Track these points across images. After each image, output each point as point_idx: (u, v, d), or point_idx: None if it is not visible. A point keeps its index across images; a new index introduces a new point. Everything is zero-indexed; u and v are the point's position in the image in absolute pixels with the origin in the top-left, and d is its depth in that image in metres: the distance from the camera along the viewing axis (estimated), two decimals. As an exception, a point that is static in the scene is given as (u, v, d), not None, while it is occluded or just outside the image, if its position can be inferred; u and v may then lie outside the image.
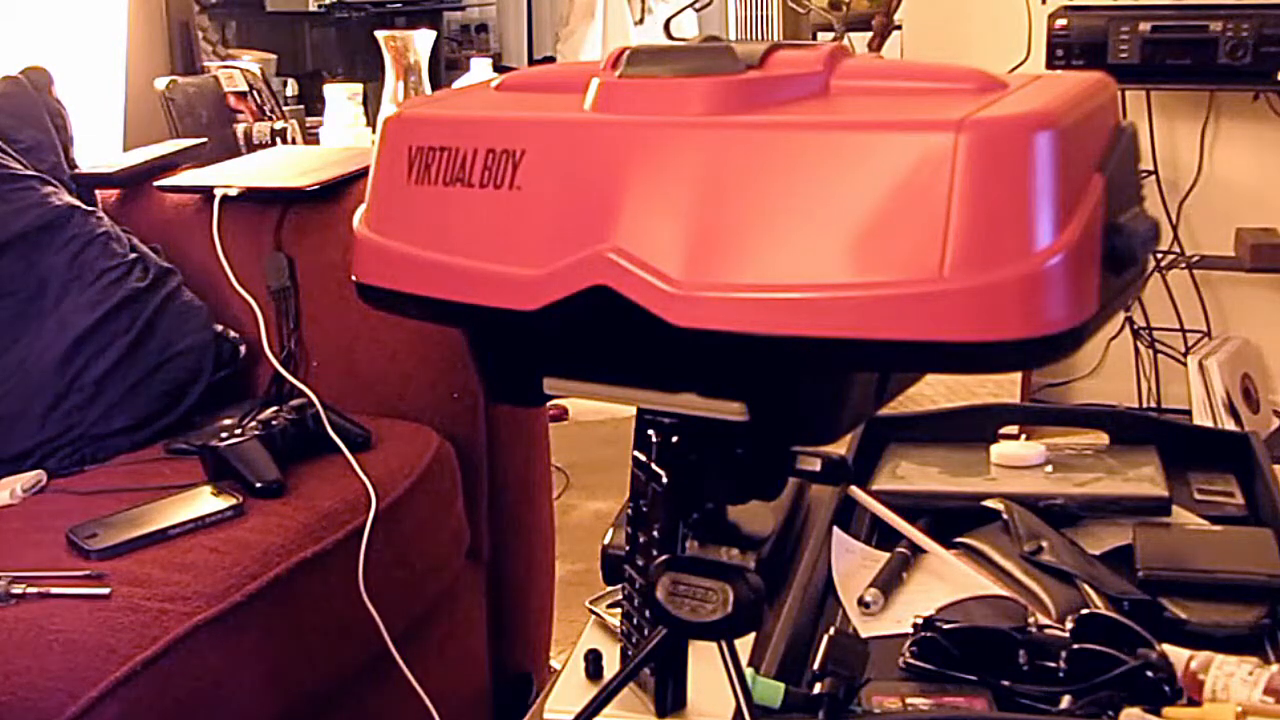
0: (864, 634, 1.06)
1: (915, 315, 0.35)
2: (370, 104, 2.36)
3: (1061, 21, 2.94)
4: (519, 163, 0.40)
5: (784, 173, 0.36)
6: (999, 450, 1.32)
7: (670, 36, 3.89)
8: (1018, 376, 3.12)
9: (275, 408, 1.61)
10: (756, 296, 0.36)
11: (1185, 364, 3.12)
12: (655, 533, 0.93)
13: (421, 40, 2.24)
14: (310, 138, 2.32)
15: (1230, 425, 2.93)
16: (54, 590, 1.22)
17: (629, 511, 0.97)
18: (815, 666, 0.94)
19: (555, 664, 1.81)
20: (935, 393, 3.19)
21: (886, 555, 1.16)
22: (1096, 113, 0.39)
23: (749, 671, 0.93)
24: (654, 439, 0.92)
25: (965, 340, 0.35)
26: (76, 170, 1.95)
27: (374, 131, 2.28)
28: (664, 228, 0.38)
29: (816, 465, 0.45)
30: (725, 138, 0.37)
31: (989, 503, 1.21)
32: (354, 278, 0.45)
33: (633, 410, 0.95)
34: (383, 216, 0.44)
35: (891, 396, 0.45)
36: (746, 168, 0.37)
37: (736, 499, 0.45)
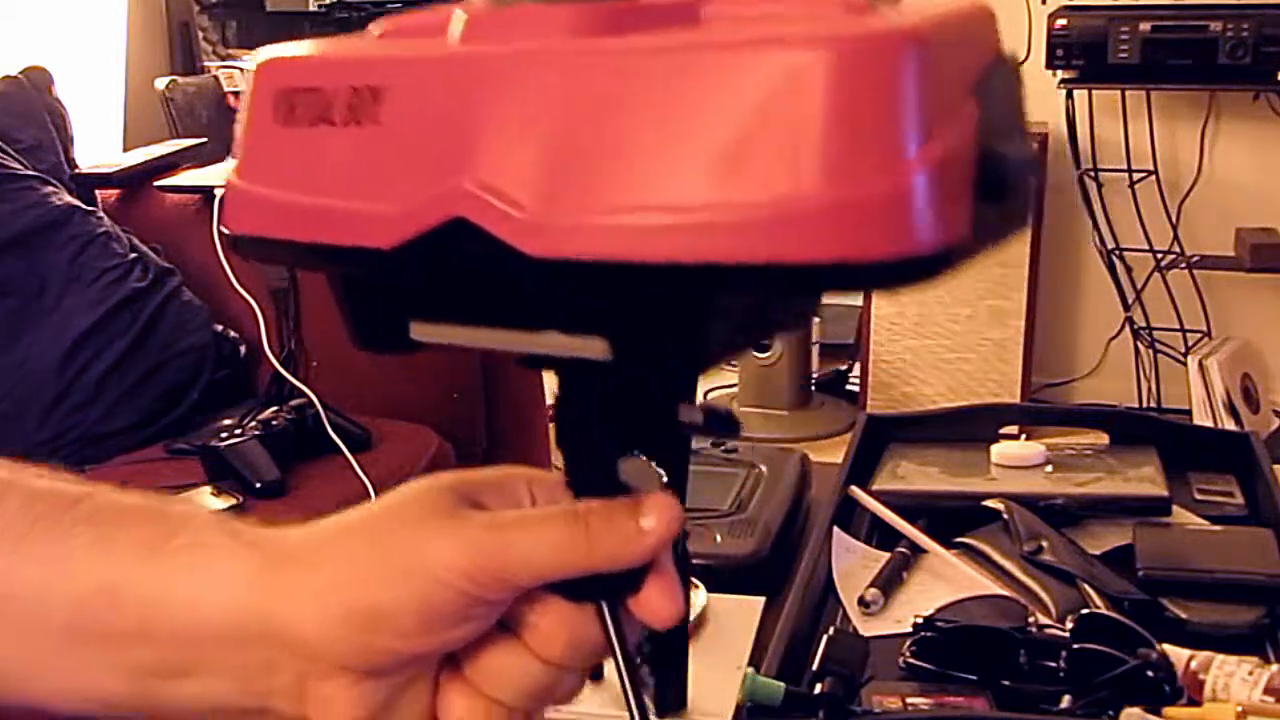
0: (864, 634, 1.06)
1: (772, 235, 0.35)
2: (370, 104, 2.36)
3: (1061, 21, 2.94)
4: (381, 99, 0.40)
5: (646, 96, 0.36)
6: (999, 450, 1.32)
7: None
8: (1018, 377, 3.12)
9: (275, 408, 1.61)
10: (611, 222, 0.36)
11: (1185, 364, 3.12)
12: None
13: (421, 40, 2.24)
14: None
15: (1230, 425, 2.93)
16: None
17: (629, 511, 0.97)
18: (815, 666, 0.94)
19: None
20: (935, 393, 3.20)
21: (886, 555, 1.16)
22: (971, 38, 0.38)
23: (749, 671, 0.93)
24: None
25: (828, 260, 0.34)
26: (76, 170, 1.95)
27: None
28: (525, 157, 0.37)
29: (699, 417, 0.44)
30: (587, 63, 0.37)
31: (989, 503, 1.21)
32: (223, 229, 0.44)
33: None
34: (250, 163, 0.43)
35: (768, 332, 0.45)
36: (609, 93, 0.36)
37: (619, 449, 0.43)
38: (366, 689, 0.43)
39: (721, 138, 0.35)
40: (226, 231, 0.43)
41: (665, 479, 0.44)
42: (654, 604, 0.44)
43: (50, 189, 1.79)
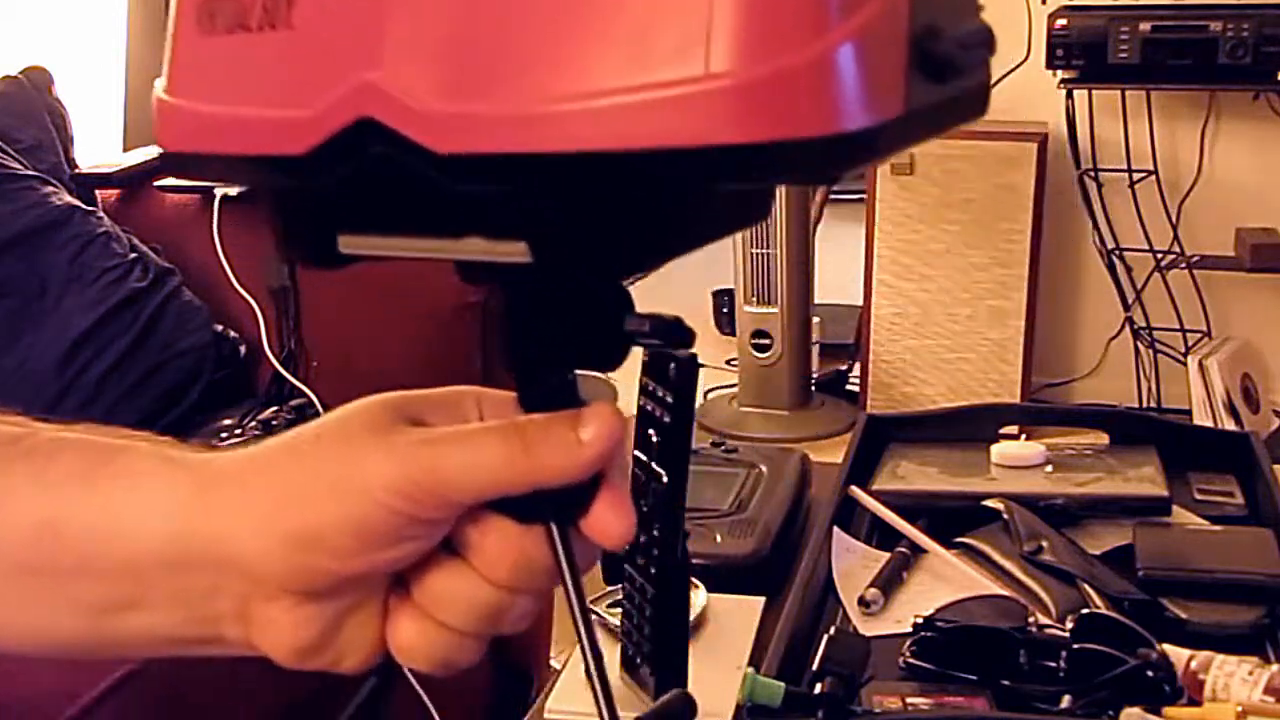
0: (864, 634, 1.06)
1: (686, 118, 0.32)
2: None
3: (1061, 21, 2.94)
4: (293, 1, 0.39)
5: None
6: (999, 450, 1.32)
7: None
8: (1018, 377, 3.12)
9: (275, 408, 1.61)
10: (516, 112, 0.34)
11: (1185, 364, 3.12)
12: (655, 532, 0.93)
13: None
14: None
15: (1230, 425, 2.93)
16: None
17: (629, 511, 0.97)
18: (815, 666, 0.94)
19: (555, 664, 1.81)
20: (935, 393, 3.20)
21: (886, 555, 1.16)
22: None
23: (749, 671, 0.93)
24: (651, 435, 0.92)
25: (746, 143, 0.32)
26: (76, 170, 1.95)
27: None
28: (428, 51, 0.36)
29: (645, 326, 0.42)
30: None
31: (989, 503, 1.21)
32: (158, 148, 0.43)
33: (632, 410, 0.95)
34: (176, 76, 0.42)
35: (701, 232, 0.41)
36: None
37: (566, 363, 0.42)
38: (310, 612, 0.43)
39: (629, 17, 0.33)
40: (160, 150, 0.42)
41: (617, 393, 0.43)
42: (604, 522, 0.42)
43: (50, 189, 1.79)
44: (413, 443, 0.41)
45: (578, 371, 0.43)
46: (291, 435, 0.43)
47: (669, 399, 0.89)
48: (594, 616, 1.09)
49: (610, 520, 0.42)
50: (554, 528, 0.42)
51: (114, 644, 0.45)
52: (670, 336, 0.43)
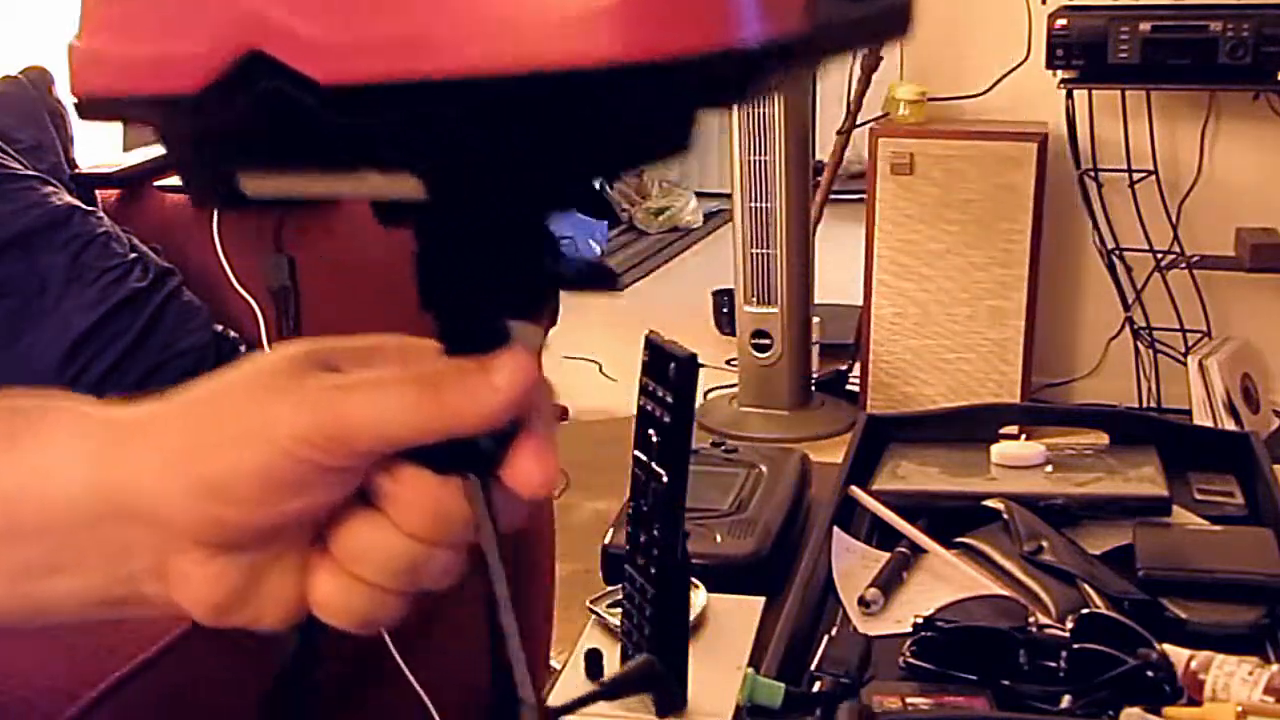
0: (864, 634, 1.06)
1: (565, 36, 0.31)
2: (370, 104, 2.36)
3: (1061, 21, 2.94)
4: None
5: None
6: (999, 450, 1.32)
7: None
8: (1018, 377, 3.12)
9: (275, 408, 1.61)
10: (393, 35, 0.33)
11: (1185, 364, 3.12)
12: (655, 532, 0.93)
13: (421, 40, 2.24)
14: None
15: (1230, 425, 2.93)
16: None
17: (629, 511, 0.97)
18: (813, 666, 0.94)
19: (555, 664, 1.81)
20: (935, 393, 3.20)
21: (886, 555, 1.16)
22: None
23: (749, 672, 0.93)
24: (651, 435, 0.92)
25: (627, 61, 0.31)
26: (76, 170, 1.95)
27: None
28: None
29: (568, 269, 0.41)
30: None
31: (989, 503, 1.21)
32: (73, 97, 0.43)
33: (632, 410, 0.95)
34: (87, 20, 0.42)
35: (605, 163, 0.38)
36: None
37: (487, 308, 0.41)
38: (224, 565, 0.41)
39: None
40: (74, 99, 0.42)
41: (544, 338, 0.41)
42: (523, 471, 0.41)
43: (50, 189, 1.79)
44: (323, 389, 0.40)
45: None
46: (203, 385, 0.42)
47: (669, 399, 0.89)
48: (594, 616, 1.09)
49: (530, 469, 0.41)
50: (472, 479, 0.41)
51: (38, 610, 0.45)
52: (592, 279, 0.42)
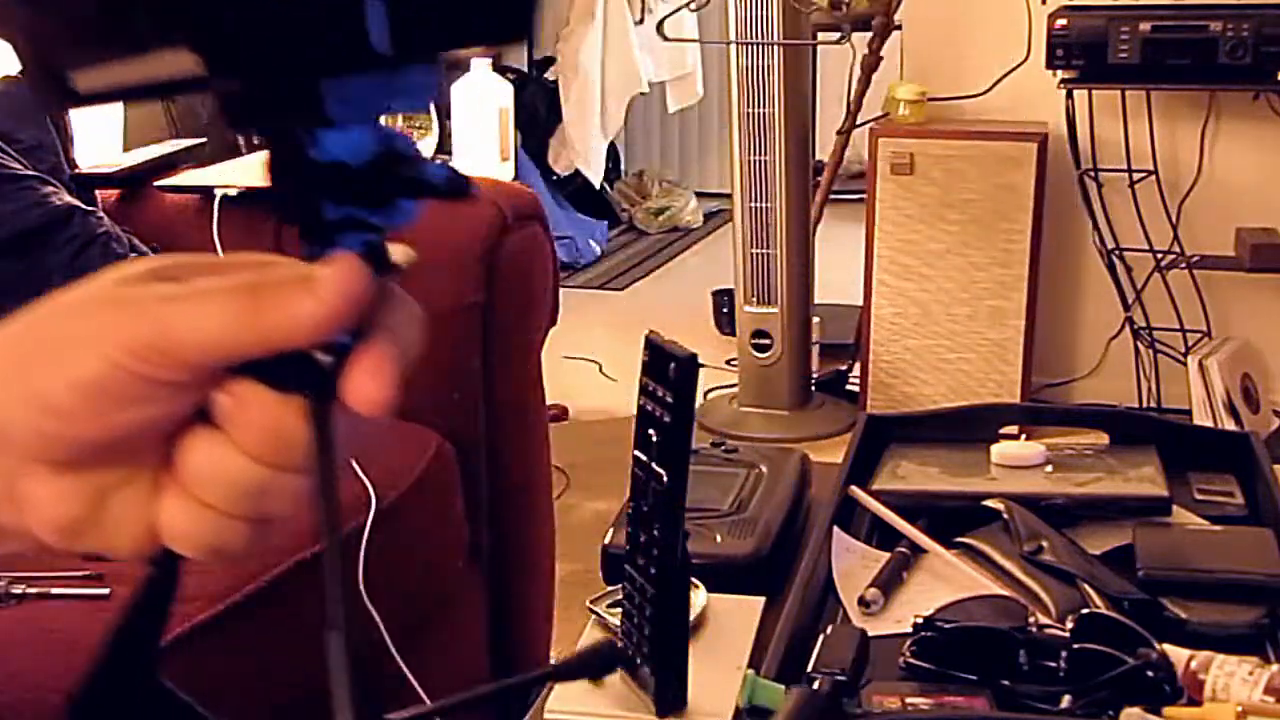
0: (860, 628, 1.06)
1: None
2: (370, 104, 2.35)
3: (1061, 21, 2.94)
4: None
5: None
6: (999, 450, 1.32)
7: (665, 38, 3.88)
8: (1018, 377, 3.12)
9: (275, 408, 1.61)
10: None
11: (1185, 364, 3.12)
12: (655, 532, 0.93)
13: (421, 40, 2.24)
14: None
15: (1230, 425, 2.93)
16: (54, 590, 1.22)
17: (629, 511, 0.97)
18: (810, 667, 0.94)
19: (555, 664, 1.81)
20: (935, 393, 3.20)
21: (886, 555, 1.16)
22: None
23: (749, 674, 0.93)
24: (651, 435, 0.92)
25: None
26: (76, 170, 1.95)
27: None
28: None
29: (412, 172, 0.40)
30: None
31: (989, 503, 1.21)
32: None
33: (632, 410, 0.95)
34: None
35: (414, 38, 0.37)
36: None
37: (335, 216, 0.40)
38: (67, 486, 0.40)
39: None
40: None
41: (410, 253, 0.40)
42: (358, 388, 0.39)
43: (50, 189, 1.79)
44: (149, 299, 0.39)
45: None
46: (43, 302, 0.41)
47: (669, 399, 0.89)
48: (594, 616, 1.09)
49: (363, 385, 0.39)
50: (309, 397, 0.39)
51: None
52: (443, 187, 0.40)
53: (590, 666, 0.89)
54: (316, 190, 0.39)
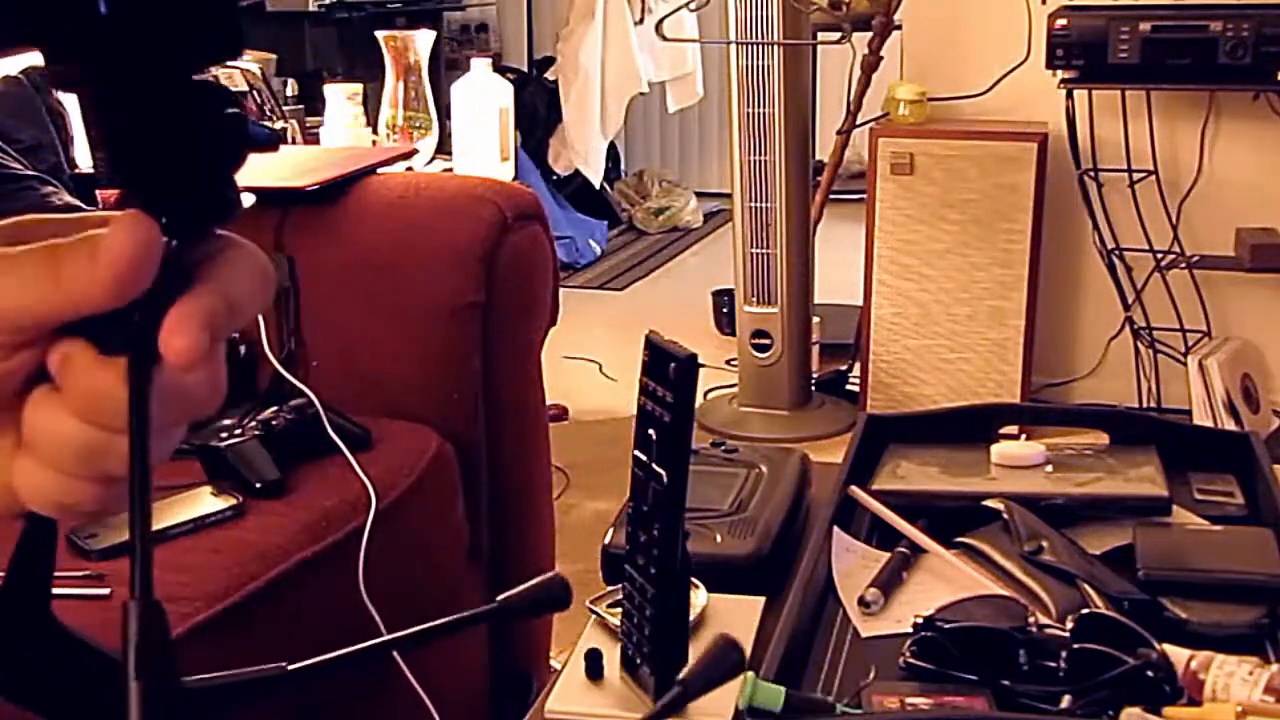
0: (864, 634, 1.06)
1: None
2: (370, 104, 2.36)
3: (1061, 21, 2.94)
4: None
5: None
6: (999, 450, 1.32)
7: (664, 38, 3.88)
8: (1018, 377, 3.12)
9: (275, 408, 1.61)
10: None
11: (1185, 364, 3.12)
12: (655, 532, 0.93)
13: (421, 40, 2.24)
14: (310, 138, 2.32)
15: (1230, 425, 2.93)
16: (54, 590, 1.22)
17: (629, 511, 0.97)
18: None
19: (555, 664, 1.81)
20: (935, 393, 3.19)
21: (886, 555, 1.16)
22: None
23: (749, 675, 0.93)
24: (651, 435, 0.92)
25: None
26: (76, 170, 1.95)
27: (374, 132, 2.28)
28: None
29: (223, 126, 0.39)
30: None
31: (989, 503, 1.21)
32: None
33: (632, 410, 0.95)
34: None
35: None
36: None
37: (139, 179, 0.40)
38: None
39: None
40: None
41: (249, 198, 0.40)
42: (164, 338, 0.39)
43: (50, 189, 1.79)
44: None
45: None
46: None
47: (669, 399, 0.89)
48: (594, 616, 1.09)
49: (168, 337, 0.39)
50: (127, 357, 0.39)
51: None
52: (250, 137, 0.40)
53: (540, 604, 0.87)
54: (130, 142, 0.39)
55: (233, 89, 2.74)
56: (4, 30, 0.37)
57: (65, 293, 0.38)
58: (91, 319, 0.39)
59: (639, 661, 0.97)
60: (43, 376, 0.41)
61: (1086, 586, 1.08)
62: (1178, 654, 0.94)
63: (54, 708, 0.48)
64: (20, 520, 0.44)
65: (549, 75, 5.21)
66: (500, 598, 0.76)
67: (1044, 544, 1.13)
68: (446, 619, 0.70)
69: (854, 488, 1.25)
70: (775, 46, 3.19)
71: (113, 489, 0.42)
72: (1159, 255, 3.20)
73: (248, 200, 0.39)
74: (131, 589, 0.40)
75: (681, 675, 0.84)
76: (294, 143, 2.35)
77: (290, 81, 3.97)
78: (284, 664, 0.59)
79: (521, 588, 0.78)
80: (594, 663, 1.02)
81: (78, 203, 1.82)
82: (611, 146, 5.37)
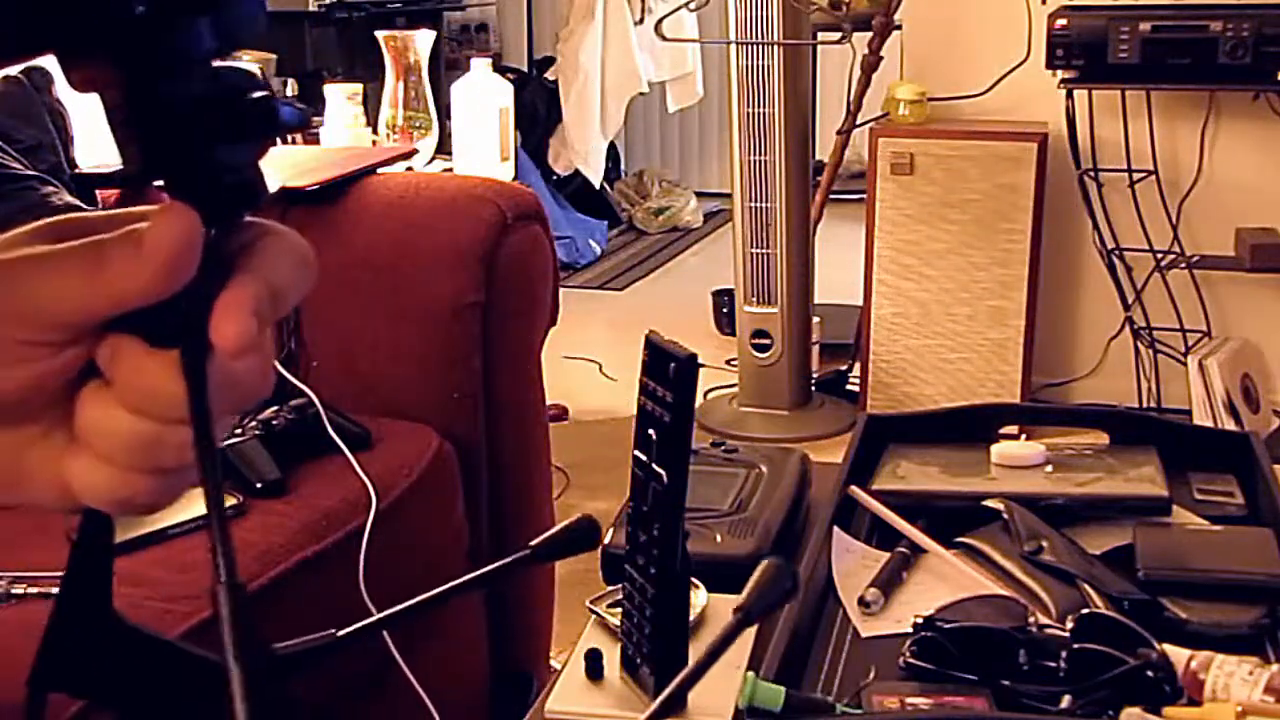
0: (864, 634, 1.06)
1: None
2: (370, 104, 2.36)
3: (1061, 21, 2.94)
4: None
5: None
6: (999, 450, 1.32)
7: (664, 38, 3.88)
8: (1018, 377, 3.12)
9: (275, 407, 1.61)
10: None
11: (1185, 364, 3.12)
12: (655, 532, 0.93)
13: (421, 40, 2.24)
14: (310, 138, 2.32)
15: (1230, 425, 2.93)
16: (54, 590, 1.22)
17: (629, 511, 0.97)
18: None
19: (555, 664, 1.81)
20: (935, 393, 3.19)
21: (886, 555, 1.16)
22: None
23: (749, 676, 0.93)
24: (651, 435, 0.92)
25: None
26: (76, 170, 1.95)
27: (374, 132, 2.28)
28: None
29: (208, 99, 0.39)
30: None
31: (989, 503, 1.21)
32: None
33: (632, 410, 0.95)
34: None
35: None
36: None
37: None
38: None
39: None
40: None
41: (261, 193, 0.40)
42: (215, 328, 0.39)
43: (50, 189, 1.79)
44: (20, 261, 0.39)
45: None
46: None
47: (669, 399, 0.89)
48: (594, 616, 1.09)
49: (219, 327, 0.39)
50: (181, 349, 0.40)
51: None
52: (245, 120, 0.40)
53: (570, 544, 0.88)
54: (166, 134, 0.39)
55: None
56: (31, 35, 0.37)
57: (112, 288, 0.38)
58: (139, 313, 0.39)
59: (639, 661, 0.97)
60: (93, 372, 0.41)
61: (1086, 586, 1.08)
62: (1178, 654, 0.94)
63: (120, 701, 0.48)
64: (74, 515, 0.44)
65: (549, 75, 5.21)
66: (532, 543, 0.77)
67: (1044, 544, 1.13)
68: (481, 571, 0.71)
69: (854, 488, 1.25)
70: (775, 46, 3.19)
71: (167, 481, 0.42)
72: (1159, 255, 3.20)
73: (273, 185, 0.40)
74: (216, 574, 0.40)
75: (739, 604, 0.83)
76: (294, 142, 2.35)
77: (290, 81, 3.97)
78: (334, 630, 0.61)
79: (551, 532, 0.78)
80: (594, 663, 1.02)
81: (78, 202, 1.82)
82: (611, 146, 5.37)
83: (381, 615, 0.66)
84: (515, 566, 0.78)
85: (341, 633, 0.62)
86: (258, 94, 0.39)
